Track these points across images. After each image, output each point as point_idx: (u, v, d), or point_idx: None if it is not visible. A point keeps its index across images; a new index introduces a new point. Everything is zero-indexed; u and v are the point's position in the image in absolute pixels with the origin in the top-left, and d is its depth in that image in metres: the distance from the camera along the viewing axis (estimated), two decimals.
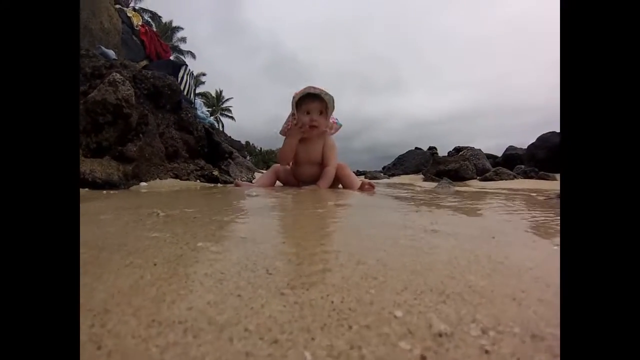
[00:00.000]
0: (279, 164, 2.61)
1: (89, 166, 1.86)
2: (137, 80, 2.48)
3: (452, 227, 0.71)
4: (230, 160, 3.25)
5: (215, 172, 2.85)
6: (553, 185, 3.77)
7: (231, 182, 2.74)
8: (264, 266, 0.42)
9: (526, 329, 0.27)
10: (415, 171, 8.45)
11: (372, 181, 2.30)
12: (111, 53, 3.49)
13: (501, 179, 4.89)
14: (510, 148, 7.86)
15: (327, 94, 2.15)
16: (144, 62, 4.21)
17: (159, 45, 6.79)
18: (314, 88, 2.14)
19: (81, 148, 1.98)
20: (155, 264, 0.44)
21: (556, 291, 0.35)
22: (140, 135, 2.28)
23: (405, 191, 2.21)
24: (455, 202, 1.47)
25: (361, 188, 2.07)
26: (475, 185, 4.42)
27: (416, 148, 10.16)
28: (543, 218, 0.96)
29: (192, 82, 4.79)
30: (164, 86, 2.61)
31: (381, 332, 0.26)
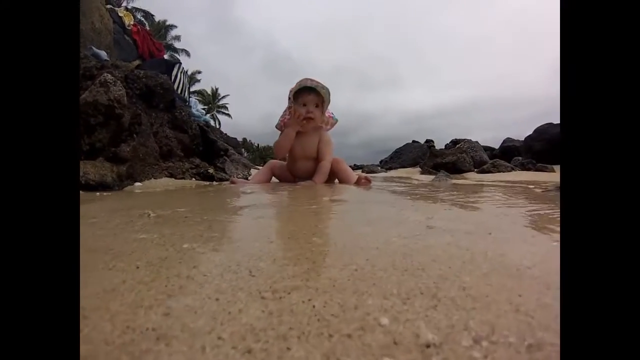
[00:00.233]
0: (274, 160, 2.59)
1: (82, 168, 1.83)
2: (129, 80, 2.45)
3: (448, 222, 0.69)
4: (226, 158, 3.22)
5: (211, 170, 2.82)
6: (550, 177, 3.76)
7: (227, 180, 2.72)
8: (248, 267, 0.40)
9: (522, 338, 0.25)
10: (413, 164, 8.45)
11: (369, 175, 2.29)
12: (103, 54, 3.44)
13: (499, 171, 4.89)
14: (508, 140, 7.86)
15: (323, 87, 2.15)
16: (137, 62, 4.16)
17: (151, 44, 6.72)
18: (311, 80, 2.14)
19: None
20: (137, 267, 0.43)
21: (556, 293, 0.33)
22: (134, 135, 2.25)
23: (402, 185, 2.20)
24: (451, 195, 1.46)
25: (357, 182, 2.05)
26: (472, 177, 4.42)
27: (413, 141, 10.15)
28: (541, 211, 0.95)
29: (186, 81, 4.75)
30: (157, 85, 2.58)
31: (363, 342, 0.24)
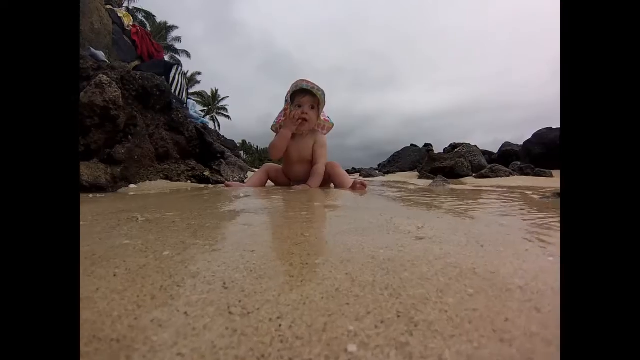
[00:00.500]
0: (269, 164, 2.58)
1: None
2: (125, 82, 2.44)
3: (439, 232, 0.67)
4: (222, 160, 3.21)
5: (207, 173, 2.81)
6: (549, 182, 3.76)
7: (222, 183, 2.71)
8: (222, 278, 0.39)
9: None
10: (411, 168, 8.45)
11: (366, 179, 2.28)
12: (101, 54, 3.44)
13: (497, 176, 4.88)
14: (506, 144, 7.86)
15: (319, 89, 2.15)
16: (136, 63, 4.15)
17: (150, 45, 6.72)
18: (306, 82, 2.14)
19: None
20: (115, 275, 0.42)
21: (546, 318, 0.31)
22: (129, 136, 2.24)
23: (398, 190, 2.19)
24: (447, 202, 1.44)
25: (353, 187, 2.04)
26: (470, 182, 4.41)
27: (412, 145, 10.16)
28: (537, 221, 0.93)
29: (184, 82, 4.74)
30: (153, 87, 2.57)
31: None
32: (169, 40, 27.24)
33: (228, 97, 40.47)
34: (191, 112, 4.60)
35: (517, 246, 0.59)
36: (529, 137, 6.50)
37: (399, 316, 0.30)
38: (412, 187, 2.88)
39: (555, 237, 0.69)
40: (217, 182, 2.73)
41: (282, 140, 2.24)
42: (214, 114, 36.52)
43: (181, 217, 0.87)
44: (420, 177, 5.77)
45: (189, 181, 2.64)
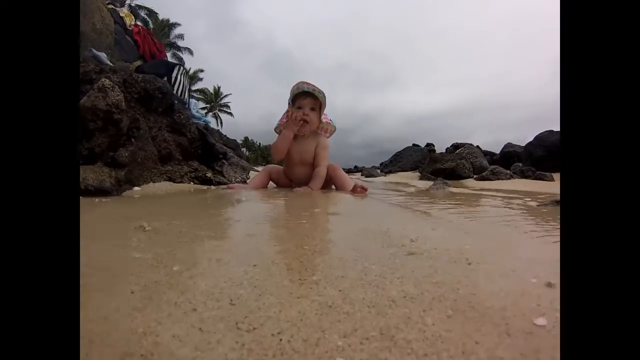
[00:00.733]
0: (271, 165, 2.63)
1: (82, 173, 1.86)
2: (127, 85, 2.48)
3: (431, 246, 0.70)
4: (225, 161, 3.25)
5: (209, 174, 2.85)
6: (548, 187, 3.78)
7: (225, 184, 2.75)
8: (229, 295, 0.43)
9: None
10: (413, 168, 8.47)
11: (367, 179, 2.32)
12: (103, 55, 3.48)
13: (498, 179, 4.91)
14: (509, 145, 7.87)
15: (320, 91, 2.19)
16: (138, 62, 4.19)
17: (152, 45, 6.76)
18: (307, 84, 2.18)
19: None
20: (132, 292, 0.45)
21: (514, 341, 0.33)
22: (132, 139, 2.28)
23: (398, 194, 2.23)
24: (444, 209, 1.48)
25: (353, 190, 2.08)
26: (470, 185, 4.44)
27: (414, 145, 10.17)
28: (532, 233, 0.97)
29: (186, 82, 4.78)
30: (155, 89, 2.61)
31: None
32: (171, 37, 27.25)
33: (230, 94, 40.55)
34: (193, 112, 4.64)
35: (505, 264, 0.60)
36: (530, 137, 6.53)
37: (382, 333, 0.34)
38: (412, 189, 2.91)
39: (544, 256, 0.72)
40: (219, 183, 2.77)
41: (284, 142, 2.28)
42: (217, 111, 36.59)
43: (187, 225, 0.90)
44: (421, 178, 5.80)
45: (191, 182, 2.68)
